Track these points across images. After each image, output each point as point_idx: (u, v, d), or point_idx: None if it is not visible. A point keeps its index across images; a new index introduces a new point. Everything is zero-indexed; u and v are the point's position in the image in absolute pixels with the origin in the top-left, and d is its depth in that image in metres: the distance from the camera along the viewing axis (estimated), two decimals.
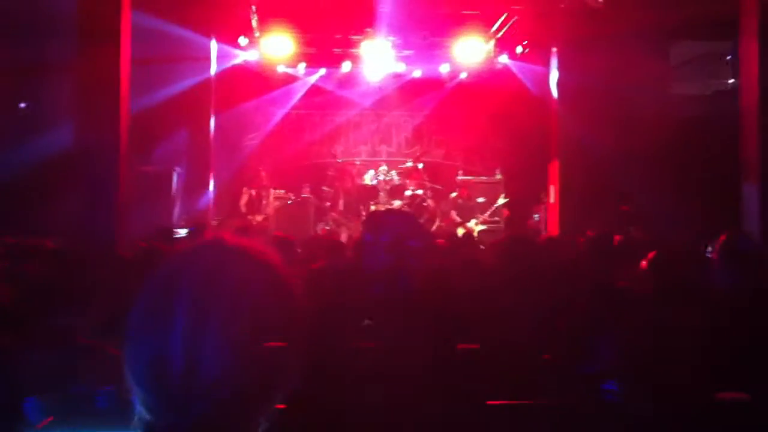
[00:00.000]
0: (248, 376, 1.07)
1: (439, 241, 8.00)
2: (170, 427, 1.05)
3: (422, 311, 2.73)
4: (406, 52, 13.89)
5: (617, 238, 9.37)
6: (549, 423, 2.92)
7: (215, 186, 13.12)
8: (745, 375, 3.16)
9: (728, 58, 13.32)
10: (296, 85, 15.13)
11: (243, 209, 13.07)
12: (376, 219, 2.97)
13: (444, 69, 14.57)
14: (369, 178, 14.40)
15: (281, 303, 1.13)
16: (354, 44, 13.59)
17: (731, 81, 13.25)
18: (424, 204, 13.96)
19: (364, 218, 3.13)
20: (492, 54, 14.05)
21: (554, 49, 12.65)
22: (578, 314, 3.20)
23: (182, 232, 7.88)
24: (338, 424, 2.56)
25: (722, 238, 3.84)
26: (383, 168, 14.60)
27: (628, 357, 3.04)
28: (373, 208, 13.62)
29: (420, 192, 14.05)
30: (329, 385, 2.65)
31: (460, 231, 12.82)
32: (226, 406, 1.05)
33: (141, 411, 1.07)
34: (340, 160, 14.83)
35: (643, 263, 4.60)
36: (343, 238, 11.72)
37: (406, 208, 13.47)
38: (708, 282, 3.97)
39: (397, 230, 2.76)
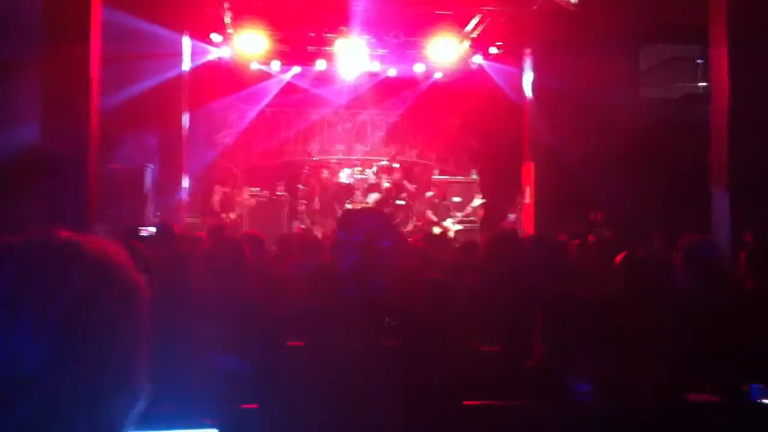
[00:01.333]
0: (70, 376, 1.03)
1: (415, 240, 8.02)
2: None
3: (391, 312, 2.74)
4: (381, 51, 13.89)
5: (591, 238, 9.48)
6: (524, 424, 2.94)
7: (188, 184, 13.02)
8: (709, 376, 3.21)
9: (699, 61, 13.51)
10: (270, 82, 15.06)
11: (216, 207, 12.98)
12: (350, 218, 2.96)
13: (419, 68, 14.60)
14: (344, 177, 14.39)
15: (112, 302, 1.09)
16: (328, 42, 13.56)
17: (702, 84, 13.45)
18: (400, 203, 13.98)
19: (339, 217, 3.15)
20: (466, 54, 14.10)
21: (527, 51, 12.73)
22: (551, 318, 3.24)
23: (151, 230, 7.80)
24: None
25: (685, 242, 3.89)
26: (358, 167, 14.59)
27: (600, 359, 3.07)
28: (348, 206, 13.61)
29: (402, 197, 14.06)
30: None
31: (436, 230, 12.87)
32: (44, 407, 1.01)
33: None
34: (315, 158, 14.79)
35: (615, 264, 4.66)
36: (318, 236, 11.70)
37: (382, 207, 13.49)
38: (673, 285, 4.02)
39: (369, 229, 2.75)
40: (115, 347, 1.08)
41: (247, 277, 4.28)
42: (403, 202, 13.97)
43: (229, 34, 13.46)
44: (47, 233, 1.12)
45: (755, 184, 7.73)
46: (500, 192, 14.11)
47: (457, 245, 8.92)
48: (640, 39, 13.07)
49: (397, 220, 13.33)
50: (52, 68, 7.94)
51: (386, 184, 14.03)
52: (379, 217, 2.93)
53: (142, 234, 7.60)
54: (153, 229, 8.28)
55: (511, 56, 13.42)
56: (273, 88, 15.11)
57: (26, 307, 1.03)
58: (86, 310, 1.05)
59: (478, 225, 14.01)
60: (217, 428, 2.04)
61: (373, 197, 13.72)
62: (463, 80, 14.59)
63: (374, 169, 14.66)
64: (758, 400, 2.80)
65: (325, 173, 14.22)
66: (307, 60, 14.30)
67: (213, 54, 13.70)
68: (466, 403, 2.84)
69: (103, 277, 1.09)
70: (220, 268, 4.15)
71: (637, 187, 11.44)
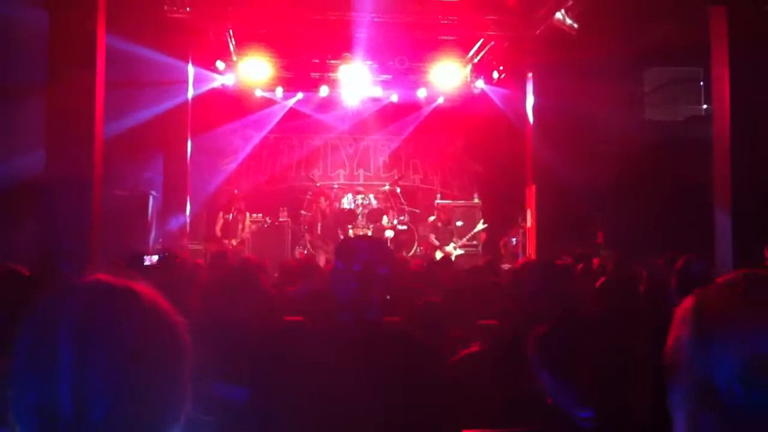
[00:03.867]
0: (135, 413, 1.08)
1: (417, 264, 7.99)
2: None
3: (390, 341, 2.71)
4: (384, 77, 13.97)
5: (595, 260, 9.43)
6: None
7: (191, 210, 13.04)
8: None
9: (701, 83, 13.54)
10: (274, 108, 15.14)
11: (218, 234, 12.98)
12: (347, 246, 2.94)
13: (421, 93, 14.66)
14: (347, 202, 14.37)
15: (163, 341, 1.15)
16: (331, 68, 13.65)
17: (704, 106, 13.46)
18: (403, 227, 13.96)
19: (336, 246, 3.14)
20: (469, 79, 14.17)
21: (530, 75, 12.77)
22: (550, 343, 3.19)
23: (153, 258, 7.77)
24: None
25: (679, 262, 3.81)
26: (361, 193, 14.58)
27: (601, 384, 3.02)
28: (351, 232, 13.60)
29: (402, 218, 14.06)
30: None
31: (438, 254, 12.83)
32: None
33: None
34: (317, 184, 14.81)
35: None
36: (321, 261, 11.67)
37: (386, 232, 13.48)
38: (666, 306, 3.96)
39: (366, 258, 2.74)
40: (168, 388, 1.14)
41: (260, 304, 4.24)
42: (404, 227, 13.94)
43: (233, 61, 13.58)
44: (101, 278, 1.17)
45: (757, 204, 7.70)
46: (503, 215, 14.08)
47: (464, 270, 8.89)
48: (644, 61, 13.12)
49: (400, 244, 13.29)
50: (57, 95, 7.99)
51: (386, 218, 14.02)
52: (376, 245, 2.91)
53: (145, 263, 7.57)
54: (155, 258, 8.27)
55: (514, 80, 13.46)
56: (276, 114, 15.19)
57: (96, 351, 1.07)
58: (146, 353, 1.11)
59: (480, 249, 13.95)
60: None
61: (375, 225, 13.69)
62: (466, 105, 14.65)
63: (376, 194, 14.64)
64: None
65: (324, 202, 14.17)
66: (310, 86, 14.38)
67: (217, 81, 13.80)
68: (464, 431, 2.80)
69: (158, 322, 1.16)
70: (234, 294, 4.10)
71: (640, 209, 11.41)
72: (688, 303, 1.14)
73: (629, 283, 4.54)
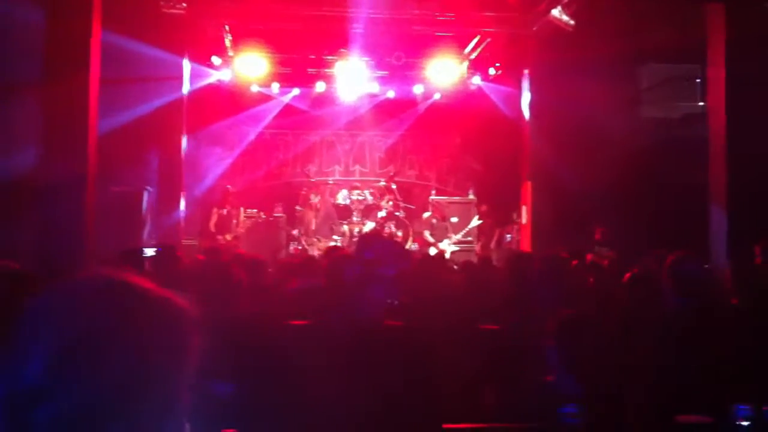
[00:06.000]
0: (133, 407, 1.07)
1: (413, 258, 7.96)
2: None
3: (381, 342, 2.72)
4: (380, 73, 13.96)
5: (588, 257, 9.43)
6: None
7: (186, 206, 13.02)
8: (695, 396, 3.17)
9: (698, 80, 13.53)
10: (270, 104, 15.12)
11: (212, 229, 12.96)
12: (369, 237, 3.01)
13: (418, 90, 14.66)
14: (342, 198, 14.37)
15: (167, 335, 1.13)
16: (328, 64, 13.64)
17: (701, 104, 13.46)
18: (398, 223, 13.94)
19: (358, 239, 3.17)
20: (465, 75, 14.16)
21: (526, 72, 12.76)
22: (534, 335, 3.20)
23: (150, 252, 7.76)
24: None
25: (669, 259, 3.81)
26: (358, 190, 14.58)
27: (586, 379, 3.03)
28: (345, 228, 13.62)
29: (398, 213, 14.05)
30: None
31: (433, 251, 12.83)
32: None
33: None
34: (312, 180, 14.80)
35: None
36: (314, 257, 11.65)
37: (380, 227, 13.48)
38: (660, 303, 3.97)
39: (382, 251, 2.79)
40: (167, 383, 1.12)
41: (236, 299, 4.25)
42: (401, 213, 13.95)
43: (230, 56, 13.55)
44: (105, 274, 1.16)
45: (752, 201, 7.72)
46: (498, 212, 14.08)
47: (455, 266, 8.87)
48: (640, 58, 13.11)
49: (396, 239, 13.27)
50: (52, 93, 7.98)
51: (382, 213, 14.00)
52: (395, 247, 2.97)
53: (145, 255, 7.57)
54: (152, 251, 8.25)
55: (510, 77, 13.46)
56: (272, 110, 15.18)
57: (106, 349, 1.06)
58: (148, 348, 1.10)
59: (475, 246, 13.96)
60: None
61: (370, 225, 13.67)
62: (462, 101, 14.65)
63: (371, 190, 14.63)
64: (744, 422, 2.75)
65: (315, 198, 14.14)
66: (306, 82, 14.38)
67: (213, 76, 13.77)
68: (445, 426, 2.82)
69: (161, 316, 1.14)
70: (209, 289, 4.12)
71: (636, 206, 11.42)
72: None
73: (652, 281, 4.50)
